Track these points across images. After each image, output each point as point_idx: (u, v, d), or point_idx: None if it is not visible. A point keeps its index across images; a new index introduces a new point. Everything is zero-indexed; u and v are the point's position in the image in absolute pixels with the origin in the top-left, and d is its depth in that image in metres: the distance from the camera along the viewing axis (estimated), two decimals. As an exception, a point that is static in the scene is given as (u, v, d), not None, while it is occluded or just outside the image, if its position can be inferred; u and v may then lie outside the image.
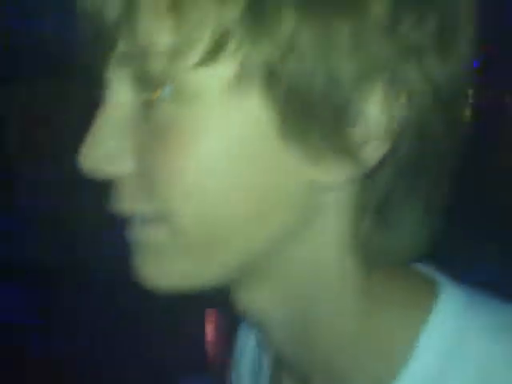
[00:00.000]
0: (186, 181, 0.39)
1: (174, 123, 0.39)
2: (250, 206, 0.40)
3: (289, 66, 0.37)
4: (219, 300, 0.47)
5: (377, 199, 0.42)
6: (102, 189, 0.45)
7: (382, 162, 0.40)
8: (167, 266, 0.42)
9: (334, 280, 0.44)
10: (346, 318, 0.45)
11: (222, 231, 0.40)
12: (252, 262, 0.42)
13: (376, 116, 0.39)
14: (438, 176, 0.43)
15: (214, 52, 0.37)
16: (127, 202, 0.42)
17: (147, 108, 0.40)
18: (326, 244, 0.43)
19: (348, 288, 0.44)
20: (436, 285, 0.46)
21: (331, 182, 0.40)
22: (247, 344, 0.59)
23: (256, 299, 0.46)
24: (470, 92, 0.43)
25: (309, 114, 0.37)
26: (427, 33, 0.38)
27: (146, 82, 0.39)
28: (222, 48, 0.37)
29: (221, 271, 0.42)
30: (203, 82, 0.37)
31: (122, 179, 0.42)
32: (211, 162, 0.38)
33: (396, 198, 0.42)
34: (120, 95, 0.41)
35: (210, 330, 2.56)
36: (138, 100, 0.41)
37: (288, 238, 0.42)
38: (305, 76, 0.37)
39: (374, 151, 0.39)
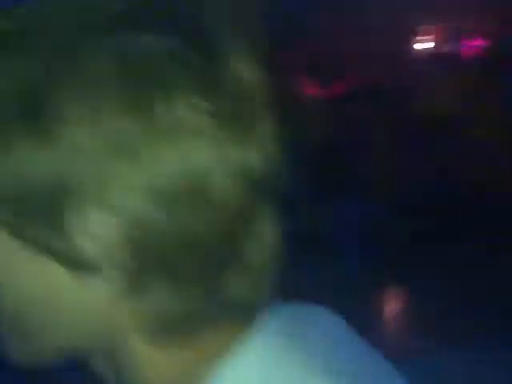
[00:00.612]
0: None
1: None
2: (47, 319, 0.45)
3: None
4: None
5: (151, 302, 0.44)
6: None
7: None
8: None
9: (138, 360, 0.47)
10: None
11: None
12: (74, 349, 0.48)
13: (98, 241, 0.41)
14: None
15: None
16: None
17: None
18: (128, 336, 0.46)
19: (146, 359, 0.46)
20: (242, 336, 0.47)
21: (99, 297, 0.44)
22: None
23: (96, 365, 0.50)
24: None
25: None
26: None
27: None
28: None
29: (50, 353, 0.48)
30: None
31: None
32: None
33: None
34: None
35: None
36: None
37: (99, 340, 0.47)
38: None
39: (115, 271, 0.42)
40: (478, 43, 7.02)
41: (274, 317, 0.48)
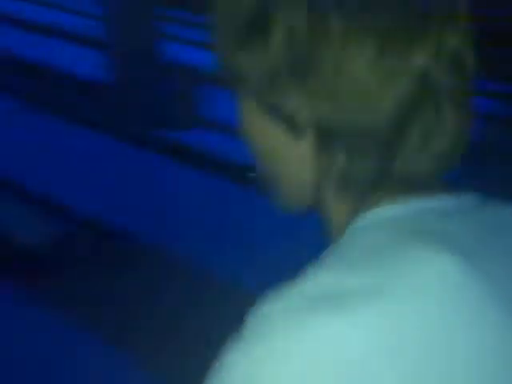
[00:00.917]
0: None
1: None
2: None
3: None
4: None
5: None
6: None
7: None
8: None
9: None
10: None
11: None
12: (302, 200, 0.64)
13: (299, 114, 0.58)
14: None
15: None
16: None
17: None
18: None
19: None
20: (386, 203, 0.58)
21: (304, 155, 0.60)
22: None
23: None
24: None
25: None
26: None
27: None
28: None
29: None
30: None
31: None
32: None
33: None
34: None
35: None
36: None
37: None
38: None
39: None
40: None
41: (440, 200, 0.59)
